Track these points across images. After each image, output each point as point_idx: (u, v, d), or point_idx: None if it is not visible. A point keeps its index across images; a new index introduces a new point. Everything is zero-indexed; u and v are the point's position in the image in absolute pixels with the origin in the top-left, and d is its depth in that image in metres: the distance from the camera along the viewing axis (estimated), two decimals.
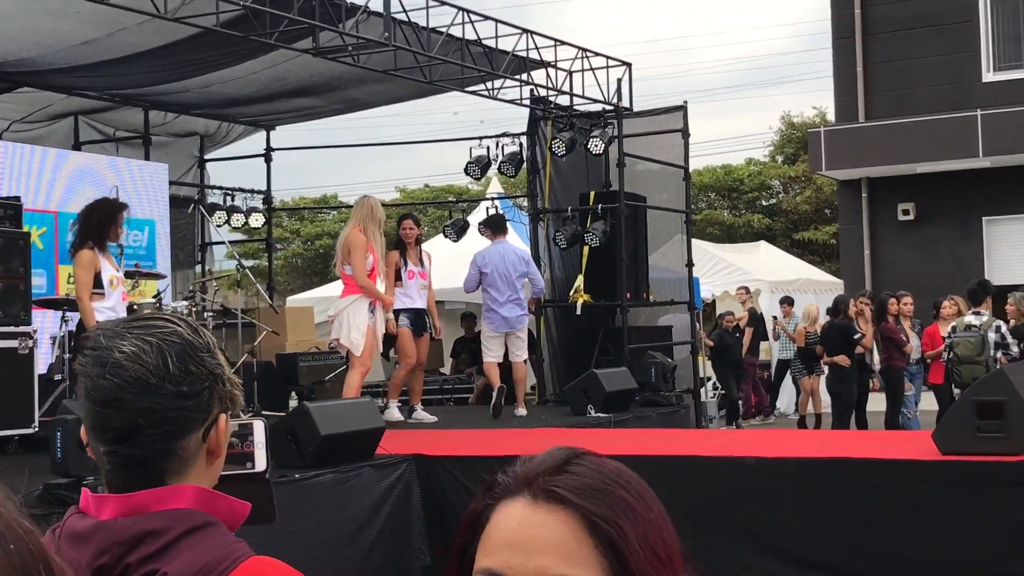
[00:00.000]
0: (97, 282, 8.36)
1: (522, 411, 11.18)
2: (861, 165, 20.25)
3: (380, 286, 9.71)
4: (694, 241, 18.04)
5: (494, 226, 11.77)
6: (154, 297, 10.66)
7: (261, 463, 1.90)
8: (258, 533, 6.20)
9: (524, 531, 1.07)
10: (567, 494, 1.07)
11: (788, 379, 18.24)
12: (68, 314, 9.74)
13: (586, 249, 12.64)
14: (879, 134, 19.95)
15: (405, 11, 10.40)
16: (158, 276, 11.40)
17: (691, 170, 14.12)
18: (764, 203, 38.79)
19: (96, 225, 8.46)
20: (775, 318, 18.20)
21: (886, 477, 6.83)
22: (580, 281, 12.72)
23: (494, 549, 1.08)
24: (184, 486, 1.59)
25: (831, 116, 25.88)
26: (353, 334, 9.25)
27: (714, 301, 20.41)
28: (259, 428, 1.91)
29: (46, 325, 10.25)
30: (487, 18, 11.39)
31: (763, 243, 25.08)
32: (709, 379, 17.62)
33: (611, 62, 13.00)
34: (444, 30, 10.96)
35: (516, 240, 12.98)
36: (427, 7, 10.62)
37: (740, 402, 17.76)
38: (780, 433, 12.44)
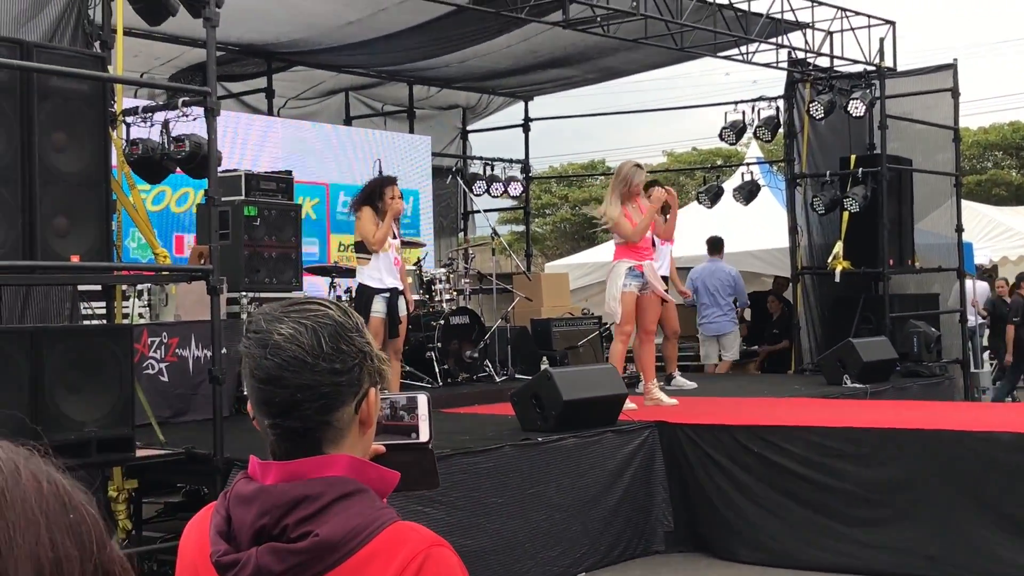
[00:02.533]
0: (363, 247, 8.81)
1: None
2: None
3: None
4: (971, 204, 17.17)
5: (714, 245, 13.28)
6: (415, 264, 11.13)
7: (424, 434, 2.03)
8: (499, 495, 6.38)
9: None
10: None
11: None
12: (336, 280, 10.33)
13: (845, 215, 12.31)
14: None
15: None
16: (419, 244, 11.88)
17: (976, 128, 13.47)
18: None
19: (367, 196, 8.89)
20: None
21: None
22: (839, 247, 12.40)
23: None
24: (339, 455, 1.75)
25: None
26: (610, 303, 9.26)
27: (995, 267, 19.34)
28: (423, 402, 2.05)
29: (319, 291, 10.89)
30: None
31: None
32: (986, 349, 16.78)
33: (873, 21, 12.53)
34: None
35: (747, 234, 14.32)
36: None
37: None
38: None
